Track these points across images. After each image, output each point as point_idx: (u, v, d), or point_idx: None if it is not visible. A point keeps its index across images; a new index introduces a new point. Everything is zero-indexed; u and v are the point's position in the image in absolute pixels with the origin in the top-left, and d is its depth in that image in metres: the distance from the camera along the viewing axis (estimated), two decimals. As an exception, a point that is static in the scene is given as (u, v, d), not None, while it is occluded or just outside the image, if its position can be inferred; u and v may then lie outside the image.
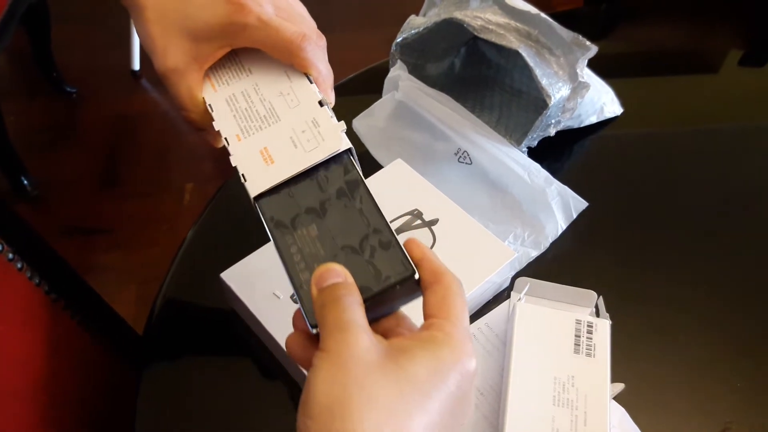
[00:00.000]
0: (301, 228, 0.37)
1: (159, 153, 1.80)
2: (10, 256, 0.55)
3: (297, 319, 0.36)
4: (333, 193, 0.39)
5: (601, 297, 0.57)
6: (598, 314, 0.56)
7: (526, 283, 0.58)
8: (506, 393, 0.50)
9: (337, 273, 0.33)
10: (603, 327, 0.53)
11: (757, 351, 0.57)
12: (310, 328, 0.35)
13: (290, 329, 0.36)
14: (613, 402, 0.52)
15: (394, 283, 0.35)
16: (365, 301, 0.34)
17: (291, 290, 0.37)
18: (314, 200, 0.38)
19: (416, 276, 0.35)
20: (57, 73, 1.89)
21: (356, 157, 0.40)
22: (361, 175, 0.39)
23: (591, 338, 0.53)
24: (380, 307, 0.36)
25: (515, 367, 0.51)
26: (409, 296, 0.37)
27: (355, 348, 0.30)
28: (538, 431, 0.48)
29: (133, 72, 1.96)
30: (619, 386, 0.53)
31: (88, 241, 1.60)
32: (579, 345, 0.52)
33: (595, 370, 0.51)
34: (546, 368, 0.51)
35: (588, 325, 0.53)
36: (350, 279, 0.34)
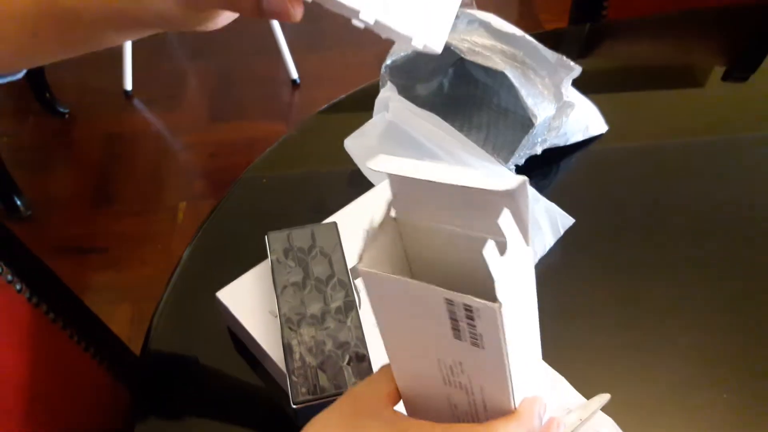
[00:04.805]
0: (304, 327, 0.52)
1: (152, 172, 1.81)
2: (9, 277, 0.56)
3: None
4: (333, 308, 0.53)
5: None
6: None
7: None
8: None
9: None
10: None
11: (746, 365, 0.58)
12: (292, 404, 0.48)
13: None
14: (601, 413, 0.54)
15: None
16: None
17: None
18: (318, 310, 0.53)
19: None
20: (49, 93, 1.90)
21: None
22: (357, 298, 0.53)
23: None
24: None
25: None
26: None
27: None
28: None
29: (126, 92, 1.97)
30: (605, 397, 0.54)
31: (82, 261, 1.60)
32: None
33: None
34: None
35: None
36: None
